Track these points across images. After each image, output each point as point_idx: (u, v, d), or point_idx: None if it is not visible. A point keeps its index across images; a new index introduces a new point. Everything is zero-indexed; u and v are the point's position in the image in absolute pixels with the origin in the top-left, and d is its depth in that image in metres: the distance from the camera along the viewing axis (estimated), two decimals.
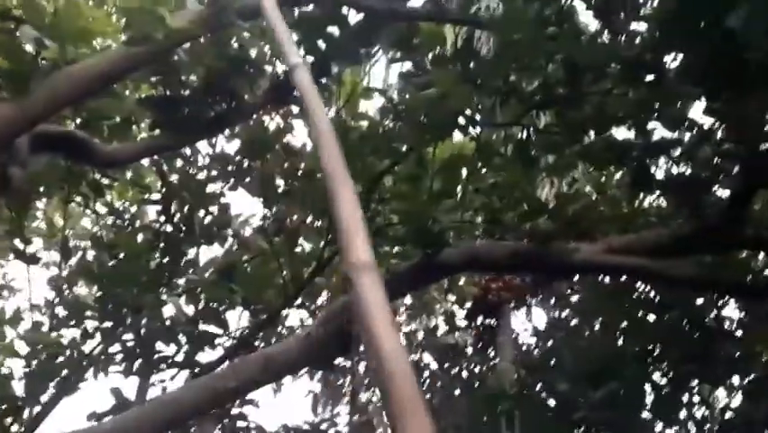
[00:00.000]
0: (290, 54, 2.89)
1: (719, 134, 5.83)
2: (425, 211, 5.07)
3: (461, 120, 5.72)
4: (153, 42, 4.84)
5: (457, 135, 6.37)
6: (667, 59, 6.06)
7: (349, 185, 2.36)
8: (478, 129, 5.75)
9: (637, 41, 6.28)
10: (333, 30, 6.23)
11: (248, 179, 7.53)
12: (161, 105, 5.86)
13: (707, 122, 6.04)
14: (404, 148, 5.70)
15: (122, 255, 7.12)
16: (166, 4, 5.05)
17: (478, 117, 5.88)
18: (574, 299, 11.06)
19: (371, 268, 2.02)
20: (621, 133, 6.38)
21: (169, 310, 7.11)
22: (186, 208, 7.69)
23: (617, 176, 7.19)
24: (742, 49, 4.97)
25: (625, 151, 6.29)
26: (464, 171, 5.61)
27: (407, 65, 6.66)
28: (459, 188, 5.66)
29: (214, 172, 7.79)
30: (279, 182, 7.31)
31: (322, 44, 6.21)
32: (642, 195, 6.97)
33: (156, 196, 7.99)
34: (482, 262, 5.58)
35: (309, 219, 7.49)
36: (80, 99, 5.34)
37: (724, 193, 5.61)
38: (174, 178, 7.87)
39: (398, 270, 5.68)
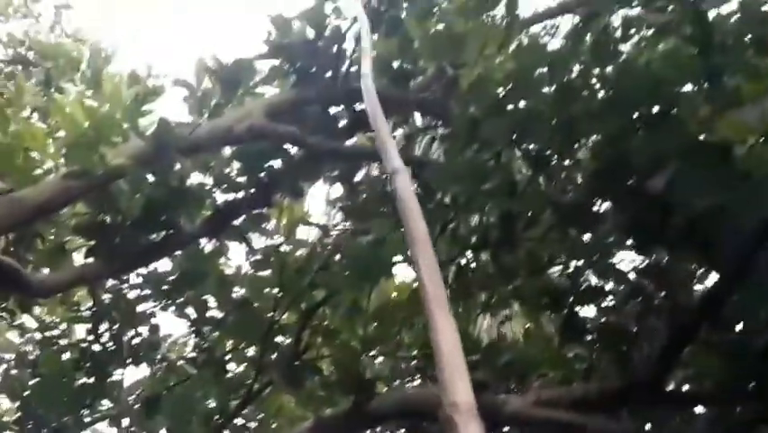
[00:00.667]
0: (392, 159, 2.75)
1: (649, 287, 5.96)
2: (356, 359, 5.06)
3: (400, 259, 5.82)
4: (92, 177, 4.84)
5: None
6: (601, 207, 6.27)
7: (447, 312, 2.11)
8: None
9: (571, 188, 6.51)
10: (276, 163, 6.35)
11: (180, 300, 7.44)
12: (97, 233, 5.81)
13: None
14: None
15: (45, 373, 6.92)
16: (107, 138, 5.09)
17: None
18: None
19: (475, 412, 1.88)
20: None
21: None
22: (115, 327, 7.56)
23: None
24: (667, 209, 5.17)
25: (557, 295, 6.41)
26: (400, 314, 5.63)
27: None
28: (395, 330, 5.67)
29: (146, 291, 7.69)
30: (213, 307, 7.24)
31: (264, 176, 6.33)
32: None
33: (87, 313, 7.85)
34: (415, 410, 5.52)
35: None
36: (18, 228, 5.28)
37: (653, 347, 5.70)
38: (105, 296, 7.76)
39: (325, 418, 5.55)
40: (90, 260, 6.01)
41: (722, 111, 5.29)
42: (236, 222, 6.38)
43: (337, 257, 6.17)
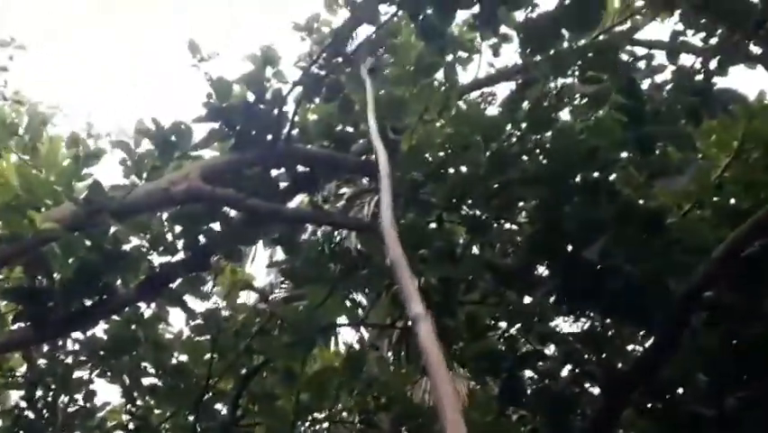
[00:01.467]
0: (414, 304, 2.63)
1: (584, 352, 5.99)
2: (290, 426, 4.98)
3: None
4: (21, 241, 4.75)
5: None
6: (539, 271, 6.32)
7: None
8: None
9: (510, 252, 6.56)
10: (215, 225, 6.29)
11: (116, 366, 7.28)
12: (28, 297, 5.67)
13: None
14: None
15: None
16: (39, 201, 5.01)
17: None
18: None
19: None
20: None
21: None
22: (50, 394, 7.38)
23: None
24: (601, 275, 5.23)
25: (497, 359, 6.40)
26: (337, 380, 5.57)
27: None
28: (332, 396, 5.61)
29: (82, 357, 7.52)
30: (149, 374, 7.09)
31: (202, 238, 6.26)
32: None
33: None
34: None
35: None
36: None
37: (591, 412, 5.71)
38: (41, 361, 7.57)
39: None
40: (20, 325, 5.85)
41: (653, 179, 5.42)
42: (173, 285, 6.27)
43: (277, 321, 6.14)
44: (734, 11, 5.47)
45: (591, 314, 5.92)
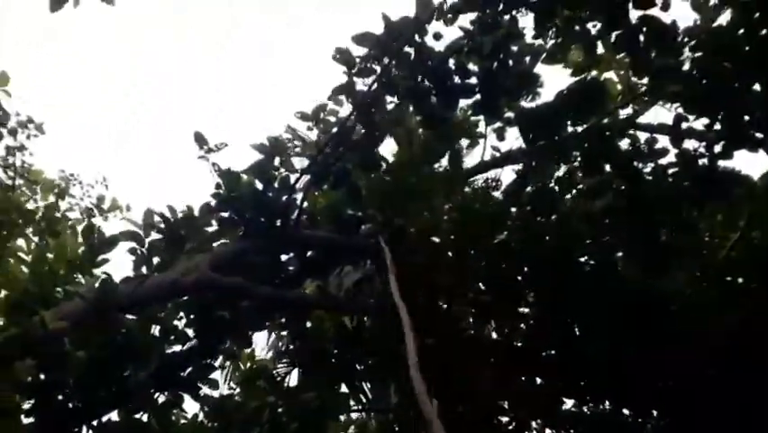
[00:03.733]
0: (425, 407, 2.77)
1: None
2: None
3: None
4: (31, 338, 4.82)
5: None
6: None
7: None
8: None
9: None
10: (224, 313, 6.36)
11: None
12: (42, 391, 5.72)
13: None
14: None
15: None
16: (49, 296, 5.11)
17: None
18: None
19: None
20: None
21: None
22: None
23: None
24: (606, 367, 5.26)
25: None
26: None
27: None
28: None
29: None
30: None
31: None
32: None
33: None
34: None
35: None
36: None
37: None
38: None
39: None
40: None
41: (657, 267, 5.45)
42: (185, 373, 6.31)
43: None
44: (733, 105, 5.56)
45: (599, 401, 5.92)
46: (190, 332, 6.27)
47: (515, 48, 5.87)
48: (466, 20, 5.94)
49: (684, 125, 6.22)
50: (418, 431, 6.38)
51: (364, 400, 6.89)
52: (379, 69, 5.89)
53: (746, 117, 5.69)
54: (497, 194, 6.45)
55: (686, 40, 5.91)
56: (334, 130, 6.25)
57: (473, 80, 5.92)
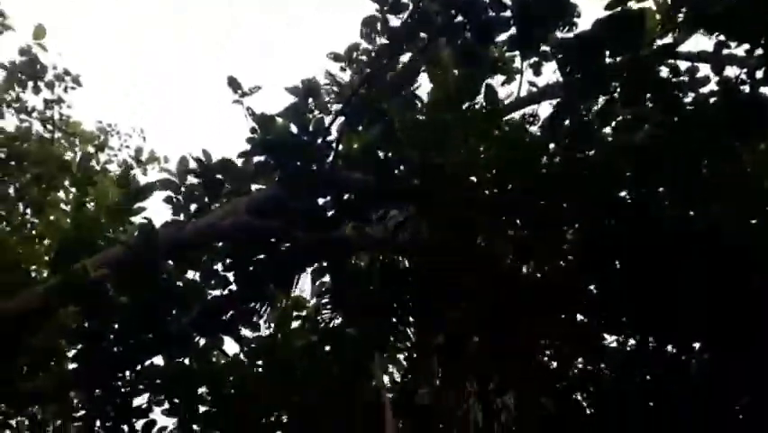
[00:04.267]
0: None
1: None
2: None
3: None
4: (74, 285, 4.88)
5: None
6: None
7: None
8: None
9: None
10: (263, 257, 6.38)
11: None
12: (86, 338, 5.83)
13: None
14: None
15: None
16: (91, 244, 5.15)
17: None
18: None
19: None
20: None
21: None
22: (109, 423, 7.51)
23: None
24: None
25: (550, 379, 6.38)
26: None
27: None
28: None
29: (140, 386, 7.66)
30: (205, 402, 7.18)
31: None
32: None
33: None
34: None
35: None
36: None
37: None
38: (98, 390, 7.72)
39: None
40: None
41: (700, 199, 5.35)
42: (226, 317, 6.38)
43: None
44: None
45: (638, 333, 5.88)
46: (231, 276, 6.33)
47: None
48: None
49: (725, 52, 6.07)
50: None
51: (407, 341, 6.91)
52: (411, 4, 5.79)
53: None
54: (534, 129, 6.35)
55: None
56: (368, 70, 6.19)
57: (508, 13, 5.79)
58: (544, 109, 9.39)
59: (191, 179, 6.14)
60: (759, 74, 5.89)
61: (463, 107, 6.35)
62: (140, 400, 7.70)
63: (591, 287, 6.19)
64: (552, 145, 6.11)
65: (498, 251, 6.35)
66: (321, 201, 6.68)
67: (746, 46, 5.80)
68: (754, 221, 6.11)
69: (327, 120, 6.28)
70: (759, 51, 5.78)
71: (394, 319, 6.34)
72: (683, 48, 6.67)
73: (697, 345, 5.97)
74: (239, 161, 6.19)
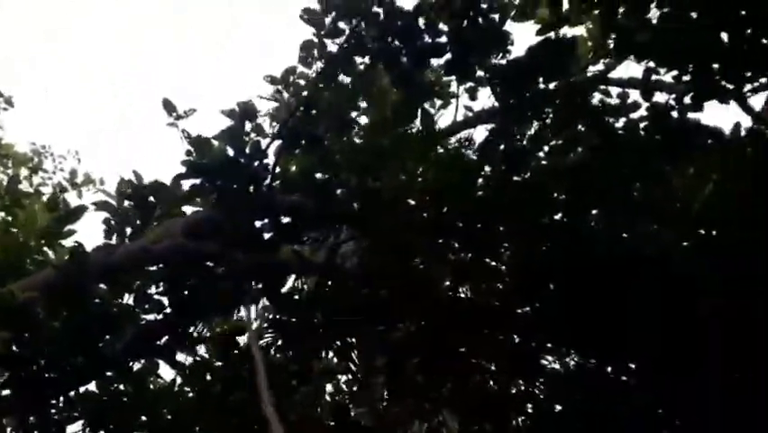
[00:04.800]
0: None
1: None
2: None
3: None
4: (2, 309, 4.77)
5: None
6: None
7: None
8: None
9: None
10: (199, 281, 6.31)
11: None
12: (15, 364, 5.68)
13: None
14: None
15: None
16: (20, 267, 5.05)
17: None
18: None
19: None
20: None
21: None
22: None
23: None
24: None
25: (489, 400, 6.40)
26: None
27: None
28: None
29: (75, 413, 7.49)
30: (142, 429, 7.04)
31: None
32: None
33: None
34: None
35: None
36: None
37: None
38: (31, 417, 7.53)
39: None
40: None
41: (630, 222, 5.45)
42: (161, 341, 6.29)
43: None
44: (703, 50, 5.54)
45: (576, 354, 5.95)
46: (165, 300, 6.25)
47: (484, 5, 5.83)
48: None
49: (654, 78, 6.23)
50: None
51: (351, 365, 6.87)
52: (348, 29, 5.84)
53: (715, 67, 5.67)
54: (470, 153, 6.42)
55: None
56: (305, 93, 6.21)
57: (444, 39, 5.88)
58: (480, 134, 9.54)
59: (126, 202, 6.06)
60: (687, 99, 6.05)
61: (400, 131, 6.40)
62: (74, 427, 7.56)
63: (527, 309, 6.26)
64: (487, 169, 6.19)
65: (435, 274, 6.39)
66: (258, 224, 6.66)
67: (674, 72, 5.96)
68: (685, 243, 6.26)
69: (264, 143, 6.28)
70: (686, 78, 5.95)
71: (337, 343, 6.34)
72: (614, 74, 6.84)
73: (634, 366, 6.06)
74: (174, 183, 6.13)
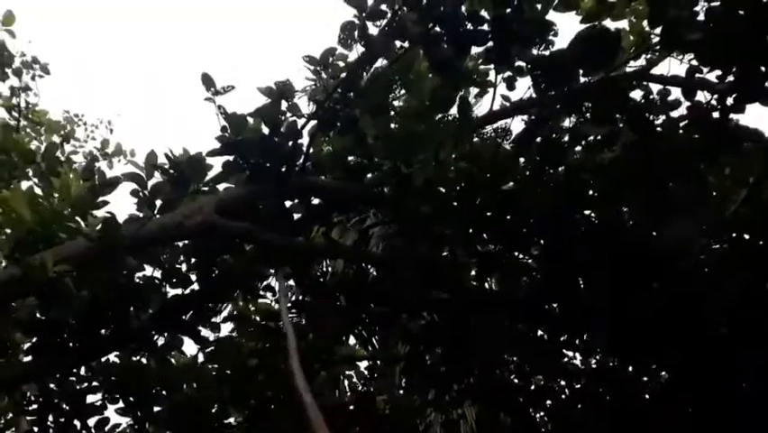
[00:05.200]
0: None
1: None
2: None
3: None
4: (32, 277, 4.77)
5: None
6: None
7: None
8: None
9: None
10: (228, 257, 6.32)
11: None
12: (42, 330, 5.73)
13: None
14: None
15: None
16: (54, 236, 5.07)
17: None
18: None
19: None
20: None
21: None
22: (62, 419, 7.39)
23: None
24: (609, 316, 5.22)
25: (509, 394, 6.38)
26: None
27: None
28: None
29: (95, 383, 7.55)
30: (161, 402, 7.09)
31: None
32: None
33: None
34: None
35: None
36: None
37: None
38: (53, 385, 7.60)
39: None
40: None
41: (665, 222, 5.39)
42: (186, 316, 6.30)
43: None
44: (750, 51, 5.44)
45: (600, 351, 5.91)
46: (193, 276, 6.26)
47: None
48: None
49: (697, 77, 6.12)
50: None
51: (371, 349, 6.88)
52: (390, 12, 5.78)
53: (762, 69, 5.56)
54: (506, 144, 6.37)
55: None
56: (343, 75, 6.16)
57: (486, 27, 5.80)
58: (517, 125, 9.45)
59: (158, 175, 6.05)
60: (729, 100, 5.95)
61: (437, 117, 6.35)
62: (94, 398, 7.61)
63: (555, 304, 6.22)
64: (522, 160, 6.13)
65: (462, 264, 6.35)
66: (289, 204, 6.64)
67: (718, 72, 5.86)
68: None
69: (300, 123, 6.25)
70: (730, 78, 5.85)
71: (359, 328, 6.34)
72: (656, 71, 6.73)
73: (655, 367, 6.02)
74: (208, 159, 6.12)
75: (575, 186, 5.54)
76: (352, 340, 6.76)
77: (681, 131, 5.99)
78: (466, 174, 5.93)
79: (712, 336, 5.33)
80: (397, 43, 6.03)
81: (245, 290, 6.61)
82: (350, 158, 6.58)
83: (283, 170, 6.24)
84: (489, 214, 6.01)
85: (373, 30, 5.90)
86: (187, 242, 6.15)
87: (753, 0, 5.42)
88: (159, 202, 6.10)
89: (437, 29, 5.88)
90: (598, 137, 5.69)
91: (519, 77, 6.62)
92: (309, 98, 6.36)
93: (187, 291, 6.27)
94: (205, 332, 6.58)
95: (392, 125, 6.35)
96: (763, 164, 6.28)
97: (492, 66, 6.46)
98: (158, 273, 6.19)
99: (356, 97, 6.14)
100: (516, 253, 6.29)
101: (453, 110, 6.40)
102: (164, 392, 6.79)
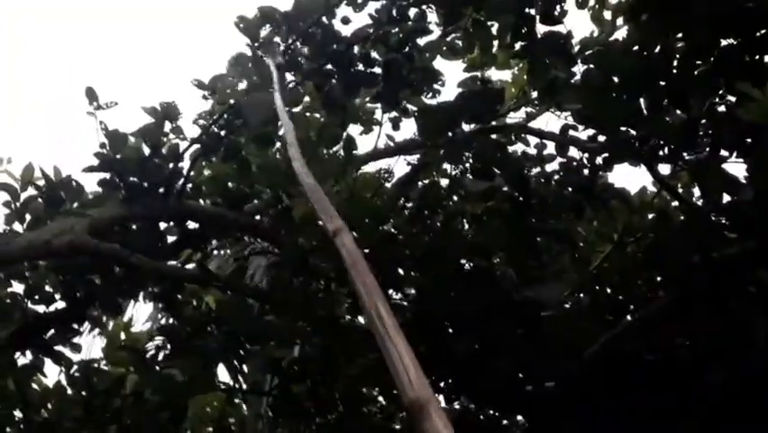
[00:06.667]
0: (332, 218, 2.45)
1: None
2: None
3: None
4: None
5: None
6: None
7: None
8: None
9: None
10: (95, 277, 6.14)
11: None
12: None
13: None
14: None
15: None
16: None
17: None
18: None
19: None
20: None
21: None
22: None
23: None
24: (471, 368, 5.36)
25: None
26: None
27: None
28: None
29: None
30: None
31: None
32: None
33: None
34: None
35: None
36: None
37: None
38: None
39: None
40: None
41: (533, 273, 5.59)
42: (46, 336, 6.07)
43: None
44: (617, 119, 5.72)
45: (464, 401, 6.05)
46: (57, 294, 6.05)
47: (421, 42, 5.89)
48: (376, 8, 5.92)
49: (571, 134, 6.42)
50: None
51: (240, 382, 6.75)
52: (283, 46, 5.80)
53: (631, 132, 5.86)
54: (387, 185, 6.47)
55: (579, 50, 6.08)
56: (231, 101, 6.12)
57: (377, 70, 5.91)
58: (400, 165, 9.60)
59: (31, 190, 5.82)
60: (599, 159, 6.25)
61: (321, 153, 6.39)
62: None
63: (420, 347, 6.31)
64: (402, 201, 6.24)
65: (335, 298, 6.39)
66: (164, 226, 6.52)
67: (591, 132, 6.15)
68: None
69: (182, 146, 6.17)
70: (602, 138, 6.14)
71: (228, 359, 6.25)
72: (534, 124, 7.02)
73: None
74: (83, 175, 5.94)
75: (450, 232, 5.68)
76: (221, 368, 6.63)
77: (553, 184, 6.27)
78: (345, 210, 5.97)
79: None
80: (289, 76, 6.06)
81: (110, 311, 6.40)
82: (230, 184, 6.52)
83: (161, 191, 6.12)
84: (366, 251, 6.07)
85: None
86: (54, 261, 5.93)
87: (627, 66, 5.71)
88: (28, 217, 5.88)
89: (329, 66, 5.96)
90: (478, 188, 5.86)
91: (405, 117, 6.78)
92: (194, 122, 6.28)
93: (50, 310, 6.05)
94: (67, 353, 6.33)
95: (277, 156, 6.35)
96: (627, 223, 6.63)
97: (379, 105, 6.58)
98: (20, 289, 5.96)
99: (242, 125, 6.12)
100: (391, 292, 6.36)
101: (339, 147, 6.48)
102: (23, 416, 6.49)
